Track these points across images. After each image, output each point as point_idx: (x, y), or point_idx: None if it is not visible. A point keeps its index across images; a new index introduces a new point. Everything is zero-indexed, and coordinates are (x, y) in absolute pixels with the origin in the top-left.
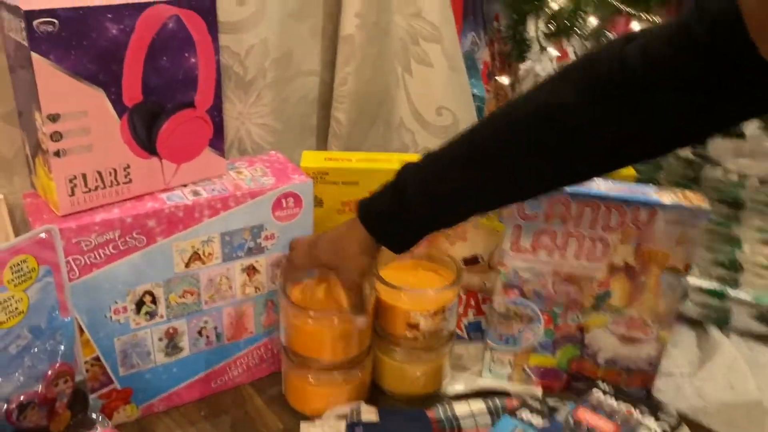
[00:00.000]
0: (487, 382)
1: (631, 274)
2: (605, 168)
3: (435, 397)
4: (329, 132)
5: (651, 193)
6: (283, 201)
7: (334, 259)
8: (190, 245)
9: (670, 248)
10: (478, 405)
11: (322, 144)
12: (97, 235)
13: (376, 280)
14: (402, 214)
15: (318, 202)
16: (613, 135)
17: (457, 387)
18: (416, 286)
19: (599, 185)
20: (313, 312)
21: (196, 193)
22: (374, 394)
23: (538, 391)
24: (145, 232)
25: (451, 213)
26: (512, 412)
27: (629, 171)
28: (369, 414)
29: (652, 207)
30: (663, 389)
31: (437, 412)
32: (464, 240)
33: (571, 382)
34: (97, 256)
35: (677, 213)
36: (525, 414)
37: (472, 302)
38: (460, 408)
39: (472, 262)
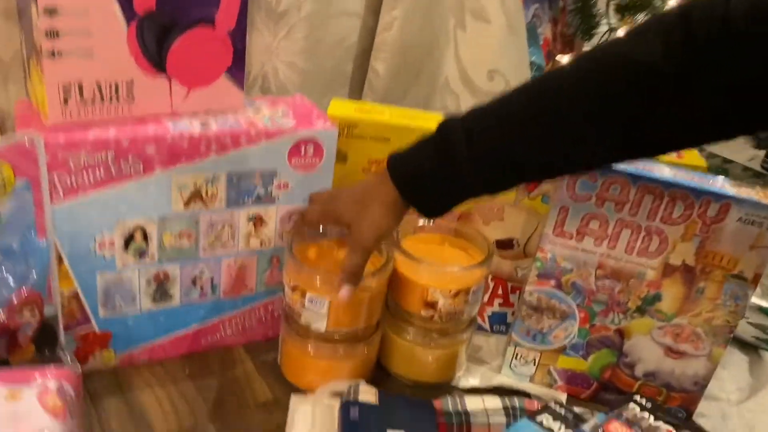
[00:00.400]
0: (505, 380)
1: (688, 277)
2: (685, 140)
3: (446, 388)
4: (365, 83)
5: (725, 185)
6: (303, 147)
7: (351, 215)
8: (192, 181)
9: (741, 252)
10: (493, 402)
11: (356, 96)
12: (88, 154)
13: (396, 249)
14: (445, 172)
15: (342, 157)
16: (706, 102)
17: (472, 381)
18: (440, 261)
19: (664, 171)
20: (320, 275)
21: (205, 125)
22: (379, 376)
23: (562, 397)
24: (142, 158)
25: (504, 174)
26: (532, 416)
27: (700, 161)
28: (368, 395)
29: (726, 201)
30: (706, 414)
31: (445, 404)
32: (500, 220)
33: (600, 392)
34: (86, 179)
35: (755, 211)
36: (547, 420)
37: (500, 291)
38: (473, 403)
39: (506, 245)
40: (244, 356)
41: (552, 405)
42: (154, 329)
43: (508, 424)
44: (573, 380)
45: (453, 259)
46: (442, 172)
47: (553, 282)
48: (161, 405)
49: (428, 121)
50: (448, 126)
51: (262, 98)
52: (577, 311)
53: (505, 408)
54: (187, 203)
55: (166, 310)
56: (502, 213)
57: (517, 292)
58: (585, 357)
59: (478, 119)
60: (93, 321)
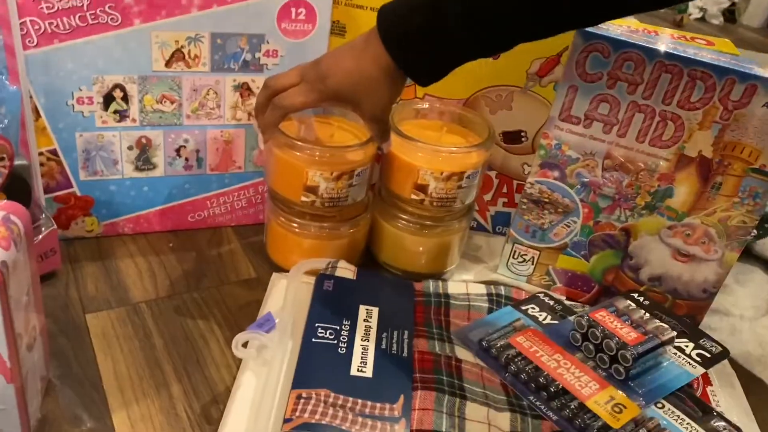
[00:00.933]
0: (500, 278)
1: (704, 170)
2: None
3: (436, 278)
4: None
5: (753, 66)
6: (293, 10)
7: (353, 92)
8: (172, 38)
9: (765, 143)
10: (477, 288)
11: None
12: None
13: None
14: (435, 27)
15: (339, 29)
16: None
17: (465, 276)
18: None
19: (687, 50)
20: (301, 142)
21: None
22: (366, 262)
23: (563, 299)
24: (119, 8)
25: (499, 32)
26: (517, 305)
27: (733, 49)
28: (346, 271)
29: (753, 82)
30: (714, 328)
31: (426, 286)
32: (509, 109)
33: (601, 296)
34: (61, 25)
35: None
36: (532, 309)
37: (505, 189)
38: (455, 287)
39: (513, 139)
40: (231, 236)
41: (541, 296)
42: (138, 199)
43: (490, 311)
44: (573, 282)
45: (450, 143)
46: (432, 28)
47: (556, 173)
48: (140, 272)
49: None
50: None
51: None
52: (580, 206)
53: (489, 295)
54: (168, 62)
55: (150, 179)
56: (511, 101)
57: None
58: (587, 257)
59: None
60: (74, 183)
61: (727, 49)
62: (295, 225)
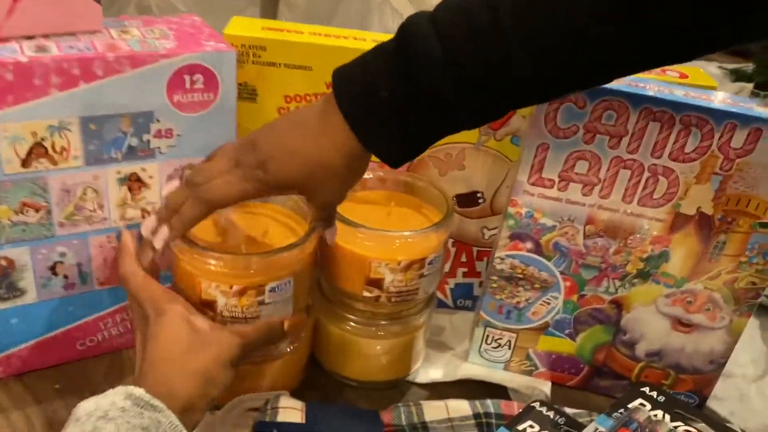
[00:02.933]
0: (474, 369)
1: (704, 229)
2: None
3: (400, 386)
4: (279, 2)
5: (753, 106)
6: (187, 79)
7: (305, 181)
8: (27, 130)
9: None
10: (460, 408)
11: (269, 16)
12: None
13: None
14: (410, 90)
15: (249, 93)
16: None
17: (433, 374)
18: (385, 225)
19: (674, 91)
20: (216, 253)
21: (41, 49)
22: (314, 375)
23: (546, 387)
24: None
25: (496, 88)
26: (511, 425)
27: (709, 80)
28: (291, 411)
29: (756, 125)
30: (721, 397)
31: (397, 415)
32: (460, 169)
33: (593, 378)
34: None
35: None
36: (531, 429)
37: (464, 258)
38: (433, 411)
39: (468, 201)
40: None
41: (537, 407)
42: (5, 334)
43: None
44: (558, 365)
45: (402, 221)
46: (405, 90)
47: (529, 244)
48: None
49: (362, 42)
50: (411, 23)
51: (135, 18)
52: (561, 280)
53: (476, 415)
54: (25, 161)
55: (20, 308)
56: (462, 160)
57: (485, 258)
58: (573, 336)
59: (454, 11)
60: None
61: (702, 80)
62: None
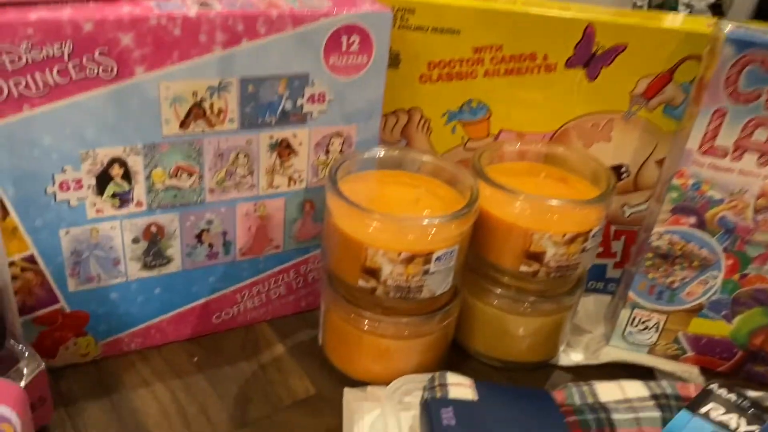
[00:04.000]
0: (616, 353)
1: None
2: None
3: (544, 368)
4: None
5: None
6: (344, 39)
7: None
8: (188, 90)
9: None
10: (636, 389)
11: None
12: (32, 45)
13: (480, 180)
14: None
15: (393, 59)
16: None
17: (574, 356)
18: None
19: None
20: (379, 214)
21: (204, 4)
22: (452, 358)
23: (694, 371)
24: (114, 54)
25: None
26: (693, 407)
27: None
28: (461, 388)
29: None
30: None
31: (570, 395)
32: (606, 140)
33: (745, 364)
34: (32, 85)
35: None
36: (716, 411)
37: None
38: (608, 391)
39: None
40: (271, 337)
41: (715, 389)
42: (148, 304)
43: (664, 420)
44: (709, 349)
45: (554, 192)
46: None
47: (692, 219)
48: (162, 406)
49: (514, 4)
50: None
51: None
52: (723, 258)
53: (655, 396)
54: (184, 123)
55: (164, 278)
56: (610, 131)
57: (622, 237)
58: (729, 318)
59: None
60: (61, 298)
61: None
62: (366, 320)
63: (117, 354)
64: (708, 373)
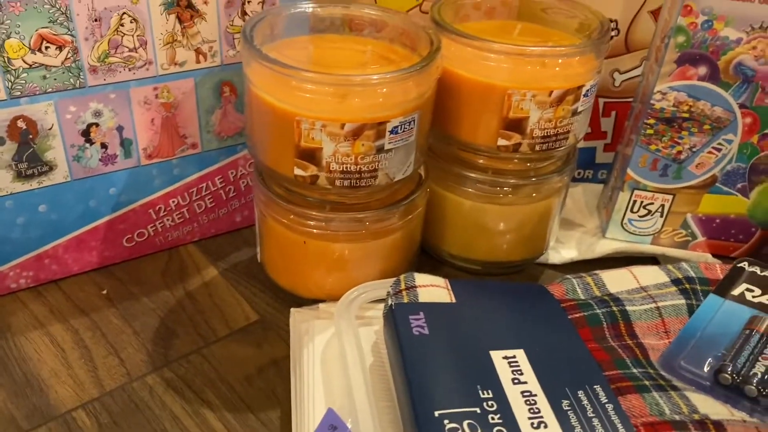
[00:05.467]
0: (614, 245)
1: None
2: None
3: (529, 268)
4: None
5: None
6: None
7: None
8: None
9: None
10: (651, 274)
11: None
12: None
13: (443, 35)
14: None
15: None
16: None
17: (565, 253)
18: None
19: None
20: (313, 73)
21: None
22: (422, 262)
23: (707, 258)
24: None
25: None
26: (721, 290)
27: None
28: (434, 289)
29: None
30: None
31: (570, 288)
32: None
33: (765, 244)
34: None
35: None
36: (751, 293)
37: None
38: (616, 280)
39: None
40: (200, 259)
41: (747, 267)
42: (33, 227)
43: (690, 308)
44: (722, 231)
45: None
46: None
47: (703, 69)
48: (62, 351)
49: None
50: None
51: None
52: (739, 116)
53: (676, 281)
54: None
55: (48, 191)
56: None
57: (613, 113)
58: (745, 192)
59: None
60: None
61: None
62: (312, 222)
63: (1, 293)
64: (722, 260)
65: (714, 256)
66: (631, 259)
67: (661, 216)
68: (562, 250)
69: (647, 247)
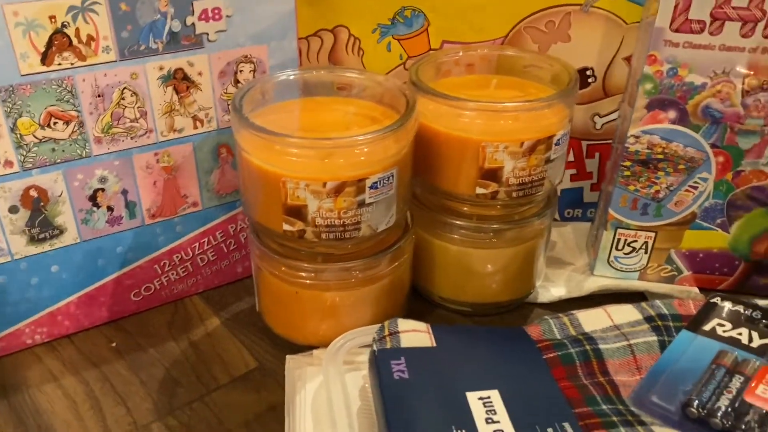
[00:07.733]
0: (603, 282)
1: None
2: None
3: (520, 308)
4: None
5: None
6: None
7: None
8: (44, 12)
9: None
10: (625, 313)
11: None
12: None
13: (419, 94)
14: None
15: None
16: None
17: (555, 291)
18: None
19: None
20: (296, 138)
21: None
22: (415, 306)
23: (693, 292)
24: None
25: None
26: (694, 326)
27: None
28: (415, 334)
29: None
30: None
31: (547, 329)
32: (565, 40)
33: (750, 277)
34: None
35: None
36: (722, 328)
37: (571, 156)
38: (591, 320)
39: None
40: (203, 310)
41: (719, 302)
42: (46, 287)
43: (662, 344)
44: (707, 265)
45: (509, 99)
46: None
47: (672, 113)
48: (74, 403)
49: None
50: None
51: None
52: (712, 155)
53: (649, 318)
54: (46, 57)
55: (59, 252)
56: (568, 28)
57: (596, 154)
58: (725, 227)
59: None
60: None
61: None
62: (303, 273)
63: (17, 349)
64: (709, 293)
65: (700, 289)
66: (620, 296)
67: (646, 252)
68: (552, 289)
69: (635, 283)
